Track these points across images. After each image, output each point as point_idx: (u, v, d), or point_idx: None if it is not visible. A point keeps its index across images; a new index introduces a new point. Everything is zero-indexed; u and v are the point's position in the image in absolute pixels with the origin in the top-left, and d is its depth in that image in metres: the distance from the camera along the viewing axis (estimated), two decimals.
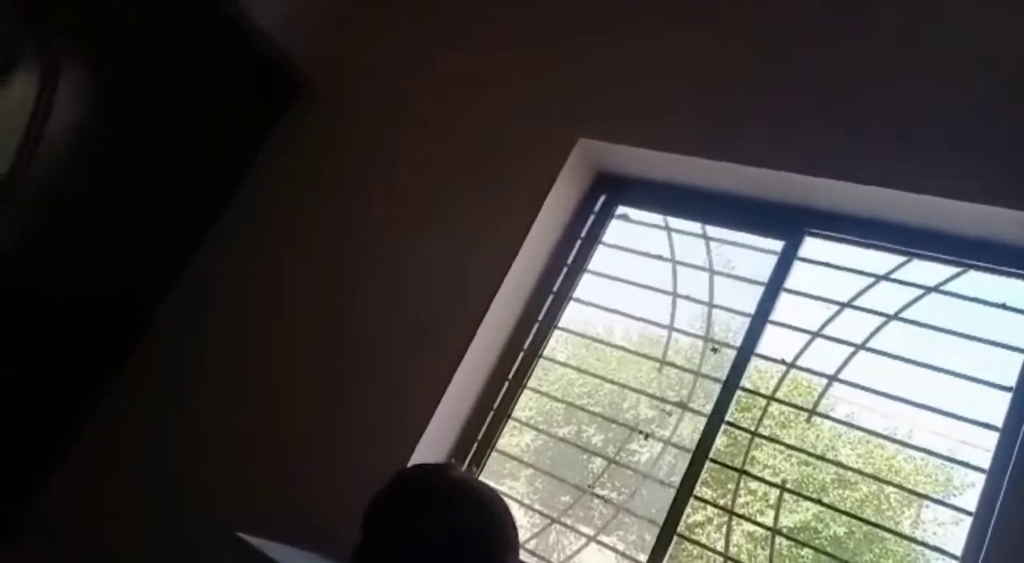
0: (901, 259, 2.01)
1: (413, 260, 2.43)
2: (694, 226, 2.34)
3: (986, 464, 1.72)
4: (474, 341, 2.20)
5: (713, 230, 2.31)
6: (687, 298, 2.33)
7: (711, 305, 2.29)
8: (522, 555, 2.07)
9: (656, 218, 2.41)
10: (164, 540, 2.28)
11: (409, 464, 2.02)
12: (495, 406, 2.30)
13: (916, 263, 1.99)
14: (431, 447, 2.15)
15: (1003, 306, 1.85)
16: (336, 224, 2.62)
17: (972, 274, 1.93)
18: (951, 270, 1.95)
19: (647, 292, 2.32)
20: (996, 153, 1.80)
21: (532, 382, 2.38)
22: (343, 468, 2.18)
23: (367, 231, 2.55)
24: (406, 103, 2.71)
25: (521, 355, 2.35)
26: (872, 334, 1.97)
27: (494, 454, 2.33)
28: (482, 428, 2.28)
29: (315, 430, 2.30)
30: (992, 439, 1.75)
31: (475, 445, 2.27)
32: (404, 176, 2.58)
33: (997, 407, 1.78)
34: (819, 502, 2.57)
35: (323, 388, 2.36)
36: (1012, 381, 1.77)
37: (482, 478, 2.30)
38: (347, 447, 2.23)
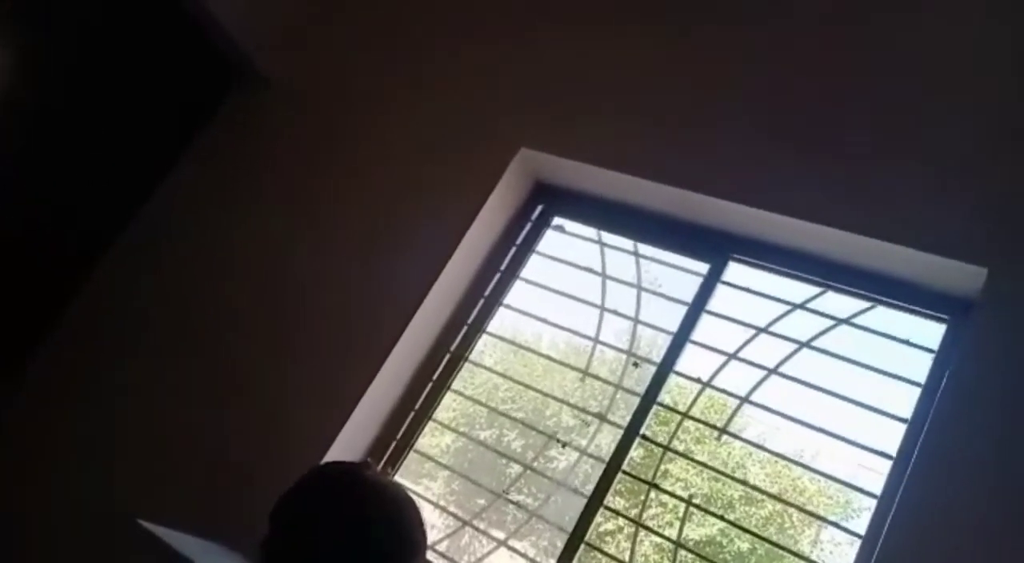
0: (817, 290, 2.10)
1: (349, 255, 2.41)
2: (626, 243, 2.39)
3: (880, 490, 1.82)
4: (401, 341, 2.20)
5: (644, 248, 2.37)
6: (614, 312, 2.37)
7: (636, 321, 2.35)
8: (433, 557, 2.07)
9: (590, 231, 2.45)
10: (79, 525, 2.20)
11: (324, 460, 2.00)
12: (416, 406, 2.30)
13: (830, 295, 2.09)
14: (349, 444, 2.13)
15: (906, 342, 1.95)
16: (275, 217, 2.57)
17: (880, 309, 2.04)
18: (862, 304, 2.05)
19: (576, 303, 2.36)
20: (909, 198, 1.91)
21: (457, 384, 2.39)
22: (259, 461, 2.14)
23: (307, 222, 2.52)
24: (357, 102, 2.68)
25: (447, 357, 2.36)
26: (784, 360, 2.05)
27: (413, 454, 2.33)
28: (402, 427, 2.28)
29: (233, 420, 2.25)
30: (887, 467, 1.85)
31: (393, 444, 2.27)
32: (349, 172, 2.56)
33: (894, 437, 1.88)
34: (722, 518, 2.67)
35: (244, 379, 2.31)
36: (909, 413, 1.87)
37: (399, 477, 2.30)
38: (264, 441, 2.19)
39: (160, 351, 2.45)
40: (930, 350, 1.93)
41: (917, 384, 1.90)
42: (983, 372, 1.71)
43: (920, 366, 1.92)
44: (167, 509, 1.98)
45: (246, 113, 2.82)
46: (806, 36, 2.20)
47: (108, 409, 2.41)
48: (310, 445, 2.07)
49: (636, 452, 2.14)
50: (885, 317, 2.05)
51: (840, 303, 2.08)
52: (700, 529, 11.19)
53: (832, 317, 2.05)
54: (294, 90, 2.80)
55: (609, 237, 2.42)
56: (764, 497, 11.84)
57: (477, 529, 2.25)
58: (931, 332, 1.98)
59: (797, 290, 2.13)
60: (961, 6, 2.07)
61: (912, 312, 2.00)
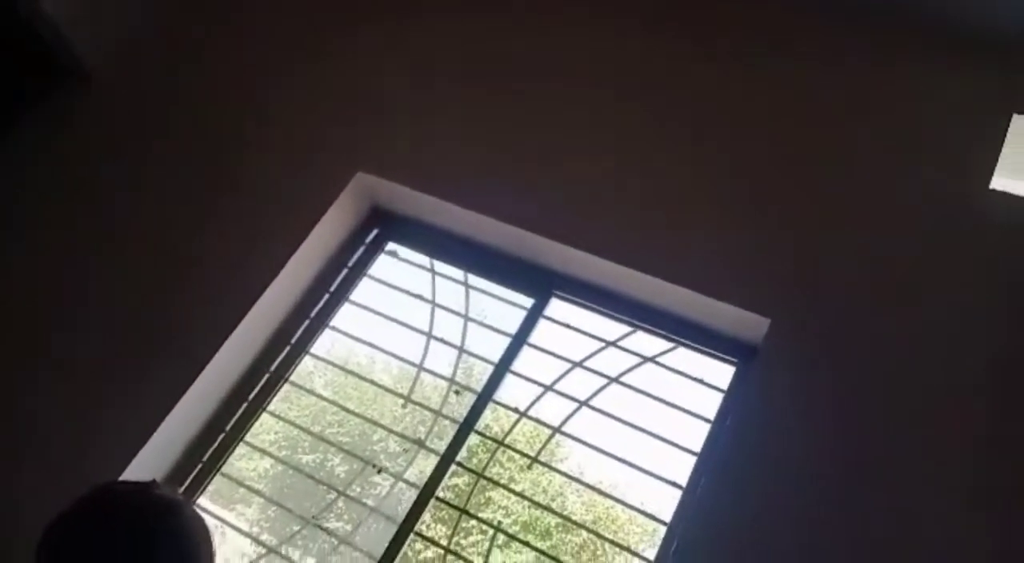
0: (628, 329, 2.25)
1: (165, 264, 2.28)
2: (457, 273, 2.45)
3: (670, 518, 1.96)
4: (215, 357, 2.11)
5: (473, 279, 2.44)
6: (441, 340, 2.41)
7: (462, 350, 2.40)
8: None
9: (423, 259, 2.48)
10: None
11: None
12: (228, 428, 2.21)
13: (640, 335, 2.25)
14: (146, 465, 2.00)
15: (700, 381, 2.14)
16: (93, 216, 2.40)
17: (682, 350, 2.22)
18: (666, 344, 2.23)
19: (405, 329, 2.38)
20: (709, 252, 2.11)
21: (279, 406, 2.32)
22: (42, 483, 1.96)
23: (123, 228, 2.36)
24: (186, 108, 2.57)
25: (266, 377, 2.29)
26: (594, 393, 2.18)
27: (224, 479, 2.23)
28: (209, 450, 2.18)
29: (21, 433, 2.05)
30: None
31: (199, 466, 2.16)
32: (173, 179, 2.43)
33: (688, 469, 2.05)
34: (529, 546, 2.78)
35: (35, 388, 2.12)
36: (699, 447, 2.04)
37: (205, 501, 2.19)
38: (51, 457, 2.01)
39: None
40: (720, 390, 2.12)
41: (707, 420, 2.08)
42: (762, 412, 1.91)
43: (710, 404, 2.11)
44: None
45: (64, 109, 2.63)
46: (643, 95, 2.38)
47: None
48: (103, 467, 1.93)
49: (460, 479, 2.18)
50: (686, 357, 2.23)
51: (647, 342, 2.24)
52: (517, 556, 11.39)
53: (639, 355, 2.21)
54: (119, 91, 2.65)
55: (441, 266, 2.47)
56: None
57: (281, 555, 2.19)
58: (724, 373, 2.19)
59: (611, 328, 2.28)
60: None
61: (708, 354, 2.20)
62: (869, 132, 2.22)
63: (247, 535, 2.29)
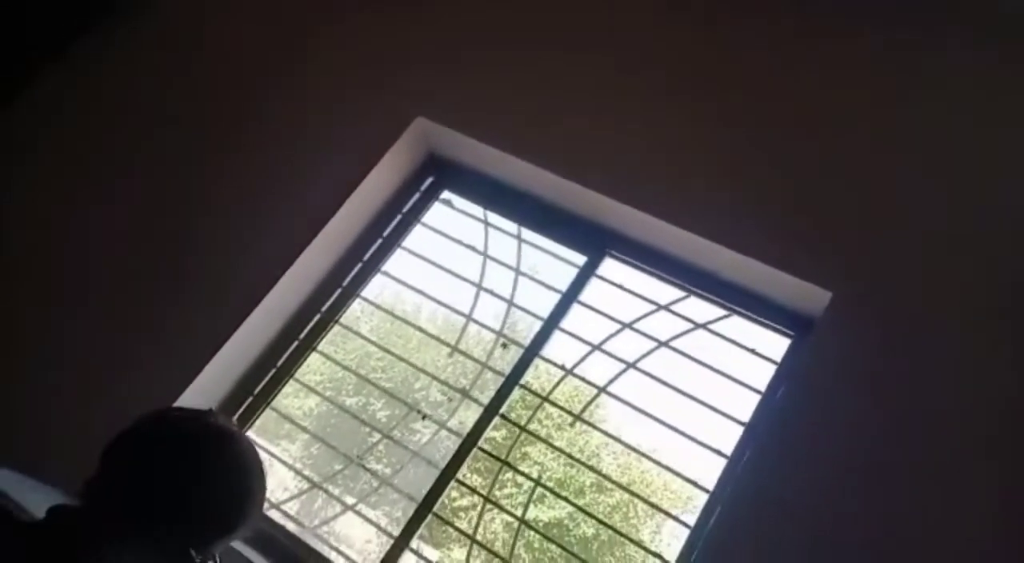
0: (681, 294, 2.20)
1: (225, 201, 2.31)
2: (510, 226, 2.42)
3: (712, 486, 1.94)
4: (269, 296, 2.14)
5: (527, 233, 2.41)
6: (491, 292, 2.40)
7: (511, 303, 2.39)
8: (281, 518, 2.05)
9: (477, 210, 2.46)
10: None
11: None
12: (279, 364, 2.25)
13: (693, 300, 2.20)
14: (201, 394, 2.06)
15: (753, 351, 2.09)
16: (146, 148, 2.44)
17: (735, 319, 2.17)
18: (720, 312, 2.18)
19: (455, 279, 2.38)
20: (770, 218, 2.03)
21: (326, 347, 2.35)
22: (101, 403, 2.03)
23: (179, 159, 2.40)
24: (249, 42, 2.58)
25: (317, 318, 2.31)
26: (643, 356, 2.15)
27: (272, 414, 2.28)
28: (260, 384, 2.22)
29: (82, 357, 2.13)
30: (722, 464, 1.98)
31: (249, 399, 2.21)
32: (233, 115, 2.45)
33: (733, 438, 2.01)
34: (568, 501, 2.82)
35: (102, 315, 2.18)
36: (747, 417, 2.01)
37: (252, 434, 2.25)
38: (110, 382, 2.08)
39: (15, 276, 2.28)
40: (774, 361, 2.07)
41: (758, 391, 2.04)
42: (815, 387, 1.86)
43: (762, 375, 2.06)
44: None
45: (113, 37, 2.66)
46: (711, 57, 2.29)
47: None
48: (159, 392, 1.99)
49: (498, 432, 2.20)
50: (738, 326, 2.18)
51: (700, 308, 2.19)
52: (550, 511, 11.58)
53: (691, 321, 2.16)
54: (172, 26, 2.67)
55: (494, 218, 2.44)
56: (613, 486, 12.38)
57: (326, 492, 2.24)
58: (777, 345, 2.14)
59: (663, 291, 2.23)
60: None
61: (763, 325, 2.14)
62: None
63: (293, 469, 2.35)
